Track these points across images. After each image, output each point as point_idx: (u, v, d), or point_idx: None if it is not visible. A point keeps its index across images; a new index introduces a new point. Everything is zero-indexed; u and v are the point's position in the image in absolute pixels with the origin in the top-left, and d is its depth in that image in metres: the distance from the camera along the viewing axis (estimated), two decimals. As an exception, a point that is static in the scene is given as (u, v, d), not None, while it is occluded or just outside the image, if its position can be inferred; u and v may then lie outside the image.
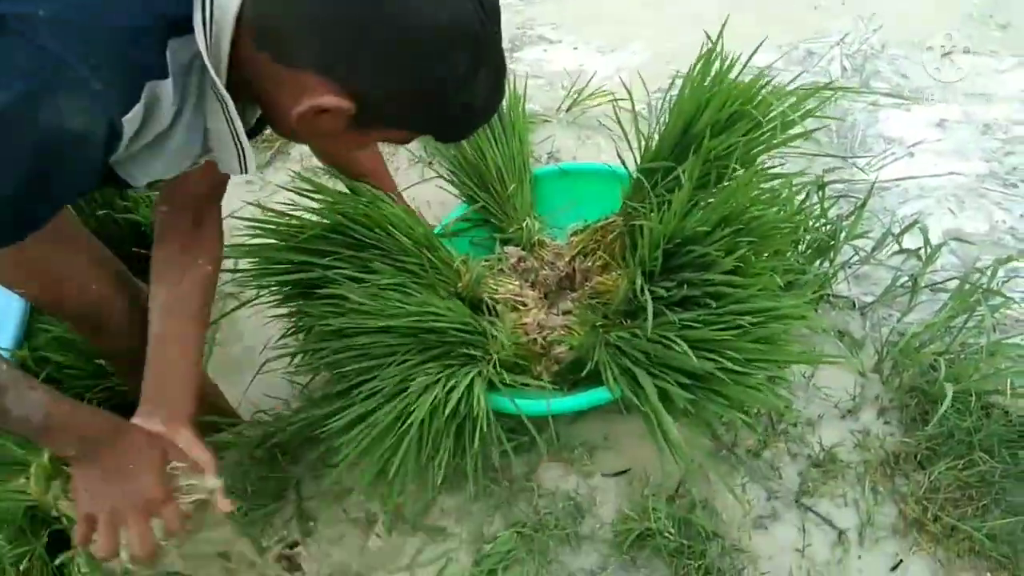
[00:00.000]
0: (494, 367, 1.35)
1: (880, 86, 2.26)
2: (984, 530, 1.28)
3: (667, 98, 2.07)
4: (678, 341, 1.19)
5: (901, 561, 1.31)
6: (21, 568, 1.40)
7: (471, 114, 0.93)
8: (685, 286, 1.26)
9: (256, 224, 1.39)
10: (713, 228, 1.25)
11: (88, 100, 0.70)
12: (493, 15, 0.85)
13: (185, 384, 1.10)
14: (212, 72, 0.79)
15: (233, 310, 1.60)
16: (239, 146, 0.89)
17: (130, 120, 0.76)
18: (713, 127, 1.34)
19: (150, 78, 0.76)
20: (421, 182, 2.00)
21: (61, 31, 0.68)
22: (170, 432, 1.04)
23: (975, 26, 2.49)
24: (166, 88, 0.78)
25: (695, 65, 1.37)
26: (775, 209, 1.35)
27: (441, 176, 1.79)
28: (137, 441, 0.98)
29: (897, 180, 1.95)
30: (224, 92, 0.82)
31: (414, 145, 2.13)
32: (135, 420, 1.05)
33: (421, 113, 0.88)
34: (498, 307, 1.48)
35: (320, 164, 1.57)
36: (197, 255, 1.15)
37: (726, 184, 1.32)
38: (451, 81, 0.84)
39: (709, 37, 1.35)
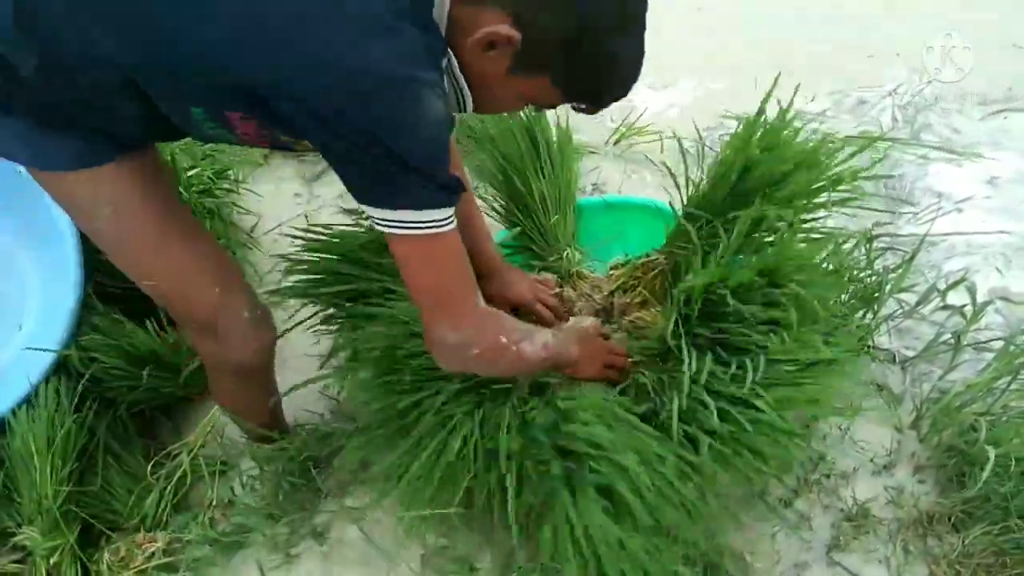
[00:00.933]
0: (523, 400, 1.35)
1: (931, 139, 2.25)
2: (1019, 600, 1.26)
3: (715, 138, 2.07)
4: (706, 399, 1.18)
5: (930, 625, 1.29)
6: (51, 562, 1.43)
7: (616, 67, 0.96)
8: (721, 335, 1.26)
9: (305, 238, 1.42)
10: (754, 284, 1.25)
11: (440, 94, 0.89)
12: None
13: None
14: (442, 30, 0.90)
15: (286, 331, 1.61)
16: (458, 88, 0.97)
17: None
18: (766, 183, 1.35)
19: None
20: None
21: None
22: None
23: (1031, 84, 2.47)
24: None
25: (754, 121, 1.36)
26: (820, 262, 1.35)
27: (484, 200, 1.81)
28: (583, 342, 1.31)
29: (944, 235, 1.93)
30: (459, 73, 0.94)
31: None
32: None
33: (574, 58, 0.92)
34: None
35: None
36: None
37: (771, 239, 1.32)
38: (604, 24, 0.90)
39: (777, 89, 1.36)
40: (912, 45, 2.56)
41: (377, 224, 0.93)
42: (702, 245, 1.37)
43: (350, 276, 1.41)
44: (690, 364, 1.22)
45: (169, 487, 1.52)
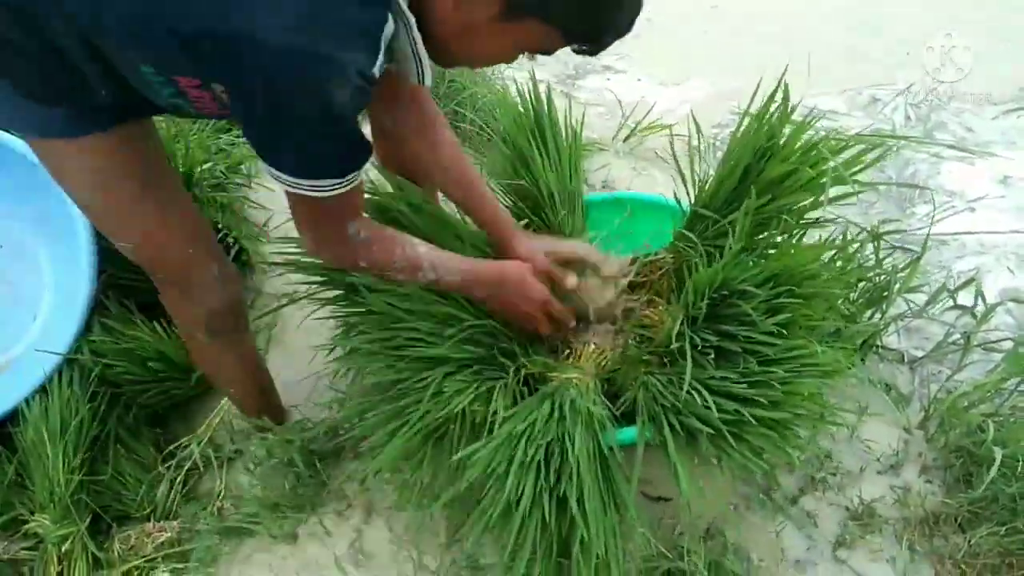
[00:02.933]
0: (518, 382, 1.37)
1: (944, 138, 2.23)
2: (1024, 601, 1.25)
3: (726, 135, 2.07)
4: (707, 397, 1.19)
5: (935, 624, 1.29)
6: (63, 549, 1.45)
7: (615, 3, 0.94)
8: (726, 338, 1.26)
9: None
10: (760, 285, 1.26)
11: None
12: None
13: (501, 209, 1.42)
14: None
15: (280, 307, 1.63)
16: (417, 59, 0.99)
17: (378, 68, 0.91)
18: (771, 179, 1.35)
19: (381, 32, 0.89)
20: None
21: None
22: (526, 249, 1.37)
23: (1046, 84, 2.45)
24: (389, 27, 0.91)
25: (763, 110, 1.37)
26: (828, 261, 1.35)
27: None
28: (515, 282, 1.29)
29: (956, 234, 1.92)
30: (408, 13, 0.92)
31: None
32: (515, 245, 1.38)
33: None
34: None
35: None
36: (436, 116, 1.34)
37: (778, 239, 1.32)
38: None
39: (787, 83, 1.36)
40: (922, 49, 2.54)
41: (263, 170, 0.97)
42: (706, 245, 1.38)
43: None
44: (692, 367, 1.23)
45: (179, 477, 1.54)
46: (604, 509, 1.21)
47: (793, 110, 1.35)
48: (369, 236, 1.12)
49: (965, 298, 1.69)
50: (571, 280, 1.41)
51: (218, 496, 1.53)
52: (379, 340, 1.37)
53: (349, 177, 0.99)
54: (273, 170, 0.96)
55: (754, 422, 1.15)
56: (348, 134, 0.95)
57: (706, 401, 1.18)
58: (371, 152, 1.01)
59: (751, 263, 1.31)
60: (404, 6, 0.92)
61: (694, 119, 1.50)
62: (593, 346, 1.51)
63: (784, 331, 1.23)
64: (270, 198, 2.10)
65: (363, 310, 1.41)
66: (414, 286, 1.28)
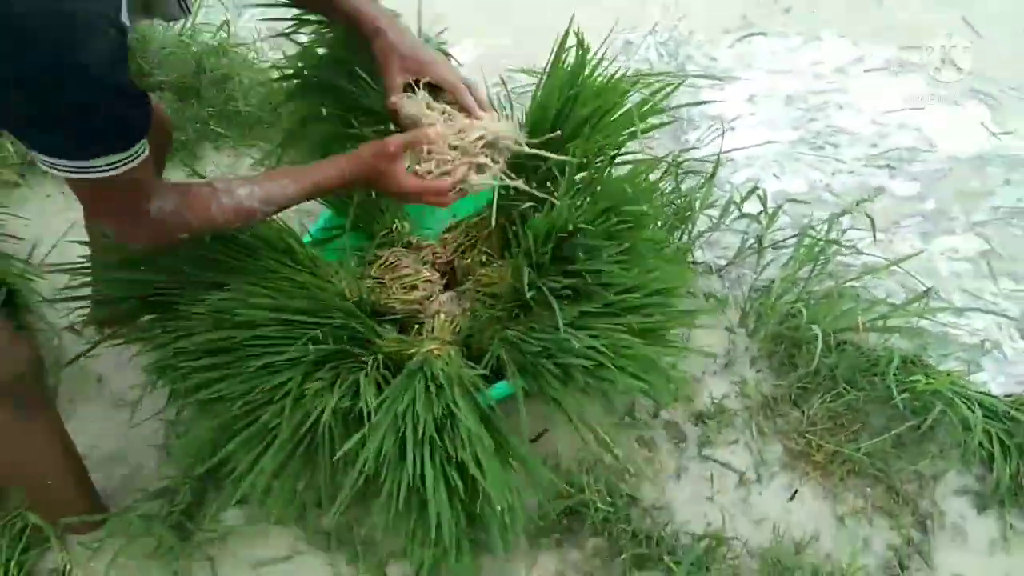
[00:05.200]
0: (377, 368, 1.34)
1: (694, 69, 2.45)
2: (862, 451, 1.44)
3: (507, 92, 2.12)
4: (577, 335, 1.24)
5: (796, 490, 1.45)
6: None
7: None
8: (574, 276, 1.31)
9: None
10: (593, 221, 1.32)
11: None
12: None
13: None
14: None
15: (82, 355, 1.45)
16: None
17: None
18: (580, 121, 1.41)
19: None
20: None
21: None
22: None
23: (763, 11, 2.76)
24: None
25: (555, 62, 1.42)
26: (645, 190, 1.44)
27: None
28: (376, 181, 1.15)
29: (725, 152, 2.12)
30: None
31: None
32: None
33: None
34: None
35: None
36: None
37: (598, 175, 1.39)
38: None
39: (576, 35, 1.41)
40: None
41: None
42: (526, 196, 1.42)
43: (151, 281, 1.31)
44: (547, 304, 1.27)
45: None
46: (502, 465, 1.23)
47: (585, 57, 1.42)
48: (177, 203, 1.01)
49: (749, 207, 1.89)
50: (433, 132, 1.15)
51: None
52: (210, 355, 1.27)
53: (137, 147, 0.89)
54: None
55: (629, 348, 1.21)
56: (119, 97, 0.84)
57: (575, 338, 1.23)
58: (151, 110, 0.90)
59: (580, 202, 1.37)
60: None
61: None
62: (443, 316, 1.51)
63: (626, 258, 1.31)
64: (27, 228, 1.86)
65: (183, 333, 1.30)
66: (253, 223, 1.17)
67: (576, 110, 1.41)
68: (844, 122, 2.31)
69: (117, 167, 0.87)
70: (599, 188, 1.36)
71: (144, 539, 1.33)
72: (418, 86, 1.18)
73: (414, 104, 1.16)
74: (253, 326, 1.25)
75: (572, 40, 1.43)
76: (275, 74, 1.66)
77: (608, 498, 1.36)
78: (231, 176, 1.03)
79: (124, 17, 0.80)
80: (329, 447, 1.24)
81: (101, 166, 0.86)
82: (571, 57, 1.45)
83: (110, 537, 1.34)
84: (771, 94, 2.38)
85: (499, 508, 1.20)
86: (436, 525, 1.16)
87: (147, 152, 0.92)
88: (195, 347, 1.27)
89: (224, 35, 2.27)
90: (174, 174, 1.91)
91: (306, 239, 1.61)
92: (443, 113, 1.17)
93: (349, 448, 1.19)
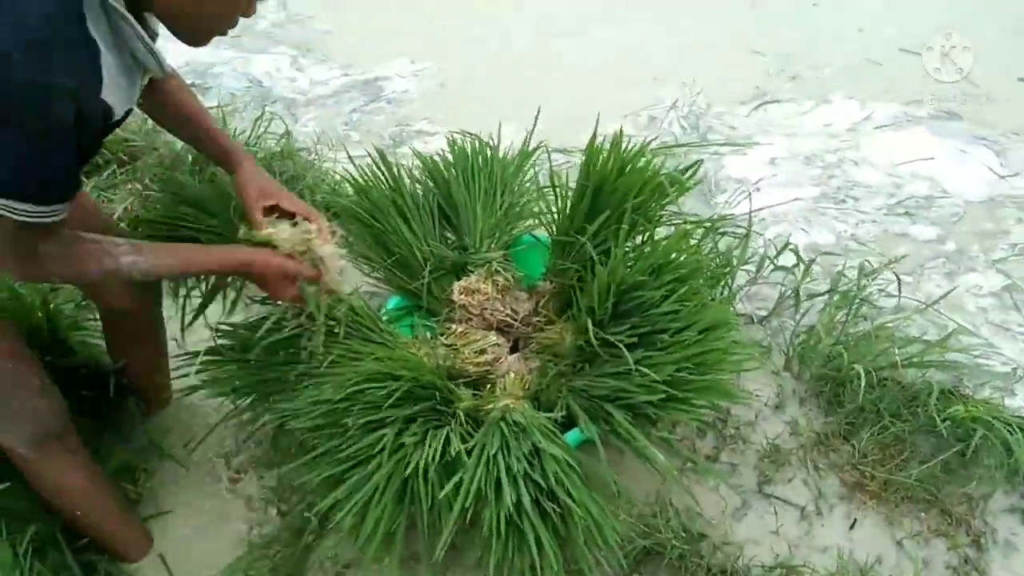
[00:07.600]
0: (460, 423, 1.48)
1: (716, 138, 2.64)
2: (912, 478, 1.55)
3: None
4: (642, 370, 1.37)
5: (856, 519, 1.55)
6: None
7: None
8: (636, 328, 1.46)
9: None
10: (649, 275, 1.47)
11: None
12: None
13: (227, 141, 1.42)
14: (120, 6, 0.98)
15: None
16: (152, 53, 1.08)
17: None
18: (621, 195, 1.58)
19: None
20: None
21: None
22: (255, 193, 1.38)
23: (773, 79, 2.96)
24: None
25: (592, 156, 1.59)
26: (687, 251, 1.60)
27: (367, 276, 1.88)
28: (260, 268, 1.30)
29: (755, 212, 2.28)
30: (127, 13, 1.00)
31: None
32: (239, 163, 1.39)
33: None
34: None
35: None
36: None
37: (647, 237, 1.55)
38: None
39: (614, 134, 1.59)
40: (675, 70, 2.99)
41: None
42: (586, 263, 1.58)
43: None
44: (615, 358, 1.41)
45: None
46: (591, 501, 1.35)
47: (620, 142, 1.59)
48: (66, 251, 1.11)
49: (783, 260, 2.03)
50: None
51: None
52: (323, 413, 1.43)
53: (68, 203, 1.04)
54: None
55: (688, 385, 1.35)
56: (68, 155, 1.00)
57: (642, 372, 1.36)
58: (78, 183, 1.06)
59: (635, 260, 1.52)
60: (123, 9, 0.99)
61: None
62: (512, 375, 1.65)
63: (678, 307, 1.45)
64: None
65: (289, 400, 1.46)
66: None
67: (617, 189, 1.57)
68: (861, 176, 2.47)
69: (55, 215, 1.02)
70: (647, 249, 1.51)
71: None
72: (272, 211, 1.40)
73: (286, 231, 1.37)
74: (353, 393, 1.40)
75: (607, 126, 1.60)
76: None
77: (683, 533, 1.46)
78: (121, 240, 1.16)
79: (105, 95, 0.98)
80: (427, 491, 1.36)
81: (44, 212, 1.00)
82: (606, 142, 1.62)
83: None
84: (790, 155, 2.55)
85: (591, 533, 1.32)
86: (537, 549, 1.27)
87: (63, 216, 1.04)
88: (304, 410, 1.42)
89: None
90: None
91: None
92: (305, 232, 1.38)
93: (448, 490, 1.31)
